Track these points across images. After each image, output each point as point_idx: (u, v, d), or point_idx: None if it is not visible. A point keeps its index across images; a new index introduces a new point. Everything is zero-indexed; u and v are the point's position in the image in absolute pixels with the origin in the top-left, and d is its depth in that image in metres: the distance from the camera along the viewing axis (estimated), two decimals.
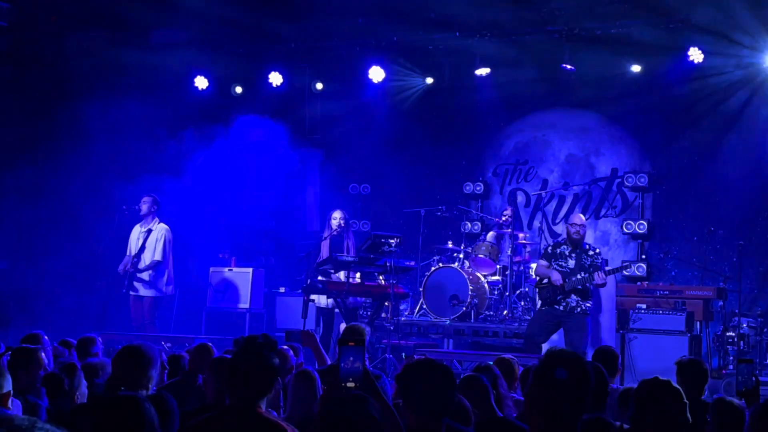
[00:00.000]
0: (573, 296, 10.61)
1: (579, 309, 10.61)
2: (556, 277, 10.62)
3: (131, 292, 12.63)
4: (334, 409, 3.07)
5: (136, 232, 12.78)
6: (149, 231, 12.67)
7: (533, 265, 12.78)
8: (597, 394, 4.74)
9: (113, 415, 3.39)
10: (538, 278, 11.04)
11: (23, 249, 14.30)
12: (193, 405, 5.58)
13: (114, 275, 12.76)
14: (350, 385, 3.27)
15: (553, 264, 10.76)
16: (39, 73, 14.47)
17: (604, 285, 10.69)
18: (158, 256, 12.60)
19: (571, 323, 10.61)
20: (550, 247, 11.05)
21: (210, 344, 6.71)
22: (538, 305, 11.08)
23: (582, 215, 11.38)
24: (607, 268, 10.78)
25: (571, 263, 10.69)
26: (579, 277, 10.53)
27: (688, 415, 4.24)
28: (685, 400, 4.20)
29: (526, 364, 6.70)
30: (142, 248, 12.61)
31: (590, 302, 10.72)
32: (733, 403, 4.53)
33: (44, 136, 14.52)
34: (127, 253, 12.75)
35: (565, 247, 10.82)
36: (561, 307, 10.66)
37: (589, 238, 14.35)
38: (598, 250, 10.90)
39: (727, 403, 4.49)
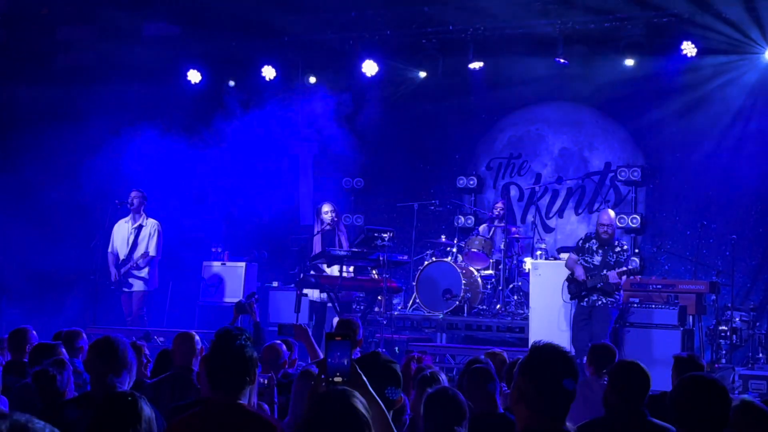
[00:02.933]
0: (595, 293, 10.72)
1: (600, 303, 10.71)
2: (579, 273, 10.77)
3: (124, 288, 12.61)
4: (318, 405, 3.05)
5: (124, 228, 12.72)
6: (140, 227, 12.64)
7: (526, 260, 12.94)
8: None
9: (109, 413, 3.40)
10: (569, 271, 11.07)
11: (12, 244, 14.28)
12: (188, 398, 5.54)
13: (106, 270, 12.76)
14: (337, 380, 3.27)
15: (580, 258, 10.86)
16: (30, 65, 14.45)
17: (618, 284, 10.73)
18: (153, 251, 12.60)
19: (595, 314, 10.73)
20: (581, 240, 11.15)
21: (193, 332, 6.63)
22: (567, 299, 11.15)
23: (611, 211, 11.33)
24: (617, 270, 10.70)
25: (597, 260, 10.80)
26: (601, 275, 10.63)
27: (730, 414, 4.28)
28: (730, 398, 4.23)
29: (518, 359, 6.70)
30: (135, 244, 12.58)
31: (617, 296, 10.78)
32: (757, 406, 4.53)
33: (34, 128, 14.48)
34: (110, 250, 12.70)
35: (594, 242, 10.90)
36: (585, 303, 10.79)
37: (582, 233, 14.38)
38: (625, 246, 10.96)
39: (751, 405, 4.48)
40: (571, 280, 10.95)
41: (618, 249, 10.81)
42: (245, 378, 4.08)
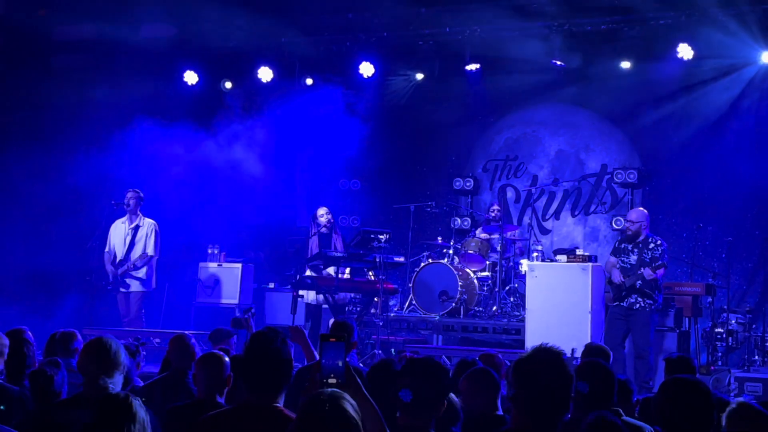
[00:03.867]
0: (633, 294, 10.71)
1: (638, 305, 10.68)
2: (615, 277, 10.80)
3: (121, 289, 12.60)
4: (308, 407, 3.06)
5: (121, 229, 12.72)
6: (137, 227, 12.64)
7: (523, 261, 12.92)
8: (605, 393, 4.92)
9: (103, 414, 3.42)
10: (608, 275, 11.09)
11: (7, 244, 14.28)
12: (182, 400, 5.58)
13: (102, 271, 12.76)
14: (332, 381, 3.27)
15: (618, 261, 10.89)
16: (27, 65, 14.47)
17: (657, 280, 10.70)
18: (151, 251, 12.60)
19: (633, 321, 10.71)
20: (617, 242, 11.17)
21: (185, 334, 6.65)
22: (610, 302, 11.14)
23: (641, 209, 11.36)
24: (653, 266, 10.67)
25: (633, 258, 10.79)
26: (637, 273, 10.62)
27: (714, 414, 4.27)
28: (714, 401, 4.22)
29: (513, 360, 6.73)
30: (132, 244, 12.58)
31: (656, 297, 10.72)
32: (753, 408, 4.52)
33: (31, 129, 14.49)
34: (107, 250, 12.70)
35: (626, 243, 10.92)
36: (625, 304, 10.76)
37: (579, 235, 14.40)
38: (659, 242, 10.83)
39: (747, 407, 4.48)
40: (610, 282, 10.98)
41: (652, 245, 10.73)
42: (283, 381, 4.07)
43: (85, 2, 13.12)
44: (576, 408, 3.67)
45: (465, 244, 13.14)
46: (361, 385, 3.38)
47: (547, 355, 3.49)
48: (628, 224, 10.97)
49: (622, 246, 10.94)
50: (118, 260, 12.66)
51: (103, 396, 3.74)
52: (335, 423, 3.00)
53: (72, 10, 13.69)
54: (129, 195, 12.66)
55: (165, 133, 14.02)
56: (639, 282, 10.62)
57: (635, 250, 10.80)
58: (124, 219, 12.76)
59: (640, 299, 10.69)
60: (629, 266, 10.77)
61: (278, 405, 4.06)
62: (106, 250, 12.74)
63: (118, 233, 12.72)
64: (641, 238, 10.82)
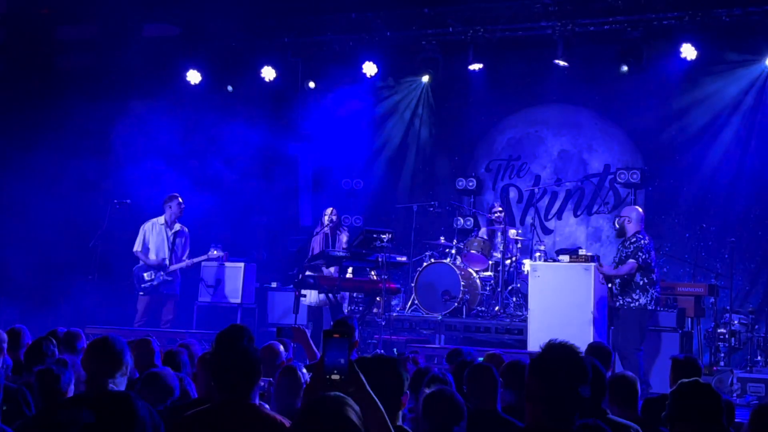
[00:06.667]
0: (615, 291, 10.73)
1: (618, 303, 10.68)
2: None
3: (163, 291, 12.78)
4: (309, 410, 3.06)
5: (161, 231, 12.84)
6: (179, 232, 12.91)
7: (525, 261, 12.91)
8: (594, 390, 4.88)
9: (104, 412, 3.44)
10: None
11: (15, 240, 14.26)
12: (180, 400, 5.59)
13: (110, 270, 12.89)
14: (335, 377, 3.27)
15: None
16: (31, 65, 14.51)
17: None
18: (187, 258, 12.87)
19: (618, 317, 10.74)
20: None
21: (150, 338, 6.66)
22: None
23: (636, 208, 11.34)
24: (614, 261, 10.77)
25: (616, 256, 10.86)
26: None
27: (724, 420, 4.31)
28: (723, 405, 4.26)
29: (518, 360, 6.76)
30: (173, 249, 12.75)
31: (636, 296, 10.55)
32: None
33: (35, 128, 14.52)
34: (139, 249, 12.77)
35: (618, 239, 11.01)
36: (615, 304, 10.81)
37: (582, 235, 14.42)
38: (633, 240, 10.69)
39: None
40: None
41: (627, 243, 10.67)
42: (251, 378, 4.11)
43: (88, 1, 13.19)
44: (533, 411, 3.56)
45: (467, 243, 13.13)
46: (365, 382, 3.36)
47: (563, 350, 3.47)
48: (618, 218, 11.05)
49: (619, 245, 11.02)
50: (157, 263, 12.77)
51: (103, 394, 3.74)
52: (337, 428, 2.99)
53: (75, 9, 13.77)
54: (176, 201, 12.80)
55: (167, 133, 14.09)
56: (618, 281, 10.62)
57: (620, 246, 10.85)
58: (161, 221, 12.87)
59: (620, 297, 10.65)
60: (613, 263, 10.84)
61: (253, 402, 4.10)
62: (139, 249, 12.82)
63: (158, 235, 12.84)
64: (628, 235, 10.78)
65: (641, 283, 10.59)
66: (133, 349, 6.29)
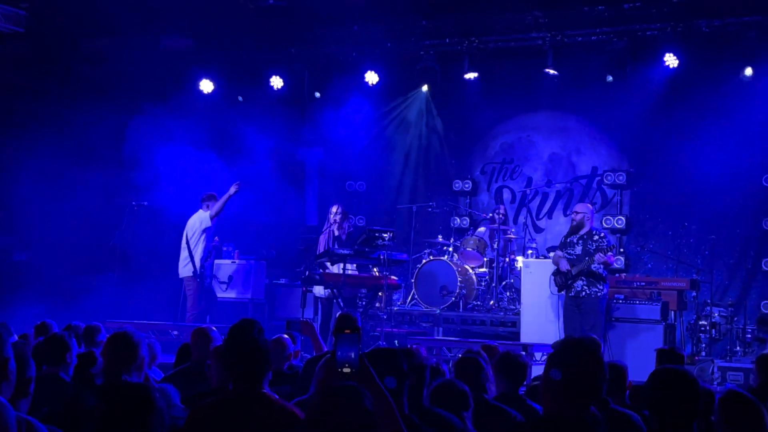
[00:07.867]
0: (579, 281, 10.83)
1: (584, 293, 10.77)
2: (563, 265, 10.91)
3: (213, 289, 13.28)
4: (326, 402, 3.21)
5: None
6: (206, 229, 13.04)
7: (518, 258, 13.12)
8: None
9: (121, 403, 3.36)
10: (555, 266, 11.26)
11: (41, 242, 14.47)
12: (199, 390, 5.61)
13: (129, 268, 13.13)
14: (346, 370, 3.39)
15: (564, 253, 11.04)
16: (53, 77, 14.70)
17: (608, 264, 10.91)
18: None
19: (584, 306, 10.78)
20: (563, 238, 11.32)
21: (206, 328, 6.76)
22: (555, 291, 11.34)
23: (588, 205, 11.61)
24: (604, 248, 10.87)
25: (578, 249, 10.92)
26: (586, 259, 10.79)
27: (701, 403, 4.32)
28: (700, 389, 4.26)
29: (507, 351, 6.73)
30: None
31: (600, 286, 10.79)
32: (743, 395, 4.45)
33: (58, 136, 14.67)
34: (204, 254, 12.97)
35: (574, 236, 11.08)
36: (572, 293, 10.87)
37: None
38: (603, 235, 11.00)
39: (737, 395, 4.57)
40: (556, 273, 11.06)
41: (596, 237, 10.90)
42: (263, 367, 4.18)
43: (107, 15, 13.26)
44: (553, 400, 3.62)
45: (464, 242, 13.35)
46: (375, 375, 3.48)
47: (583, 341, 3.68)
48: (573, 215, 11.20)
49: (568, 240, 11.11)
50: (206, 258, 13.03)
51: (121, 384, 3.73)
52: (354, 419, 3.14)
53: (96, 22, 13.89)
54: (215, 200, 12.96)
55: (181, 140, 14.24)
56: (585, 268, 10.75)
57: (580, 242, 10.95)
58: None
59: (585, 287, 10.77)
60: (575, 257, 10.86)
61: (265, 391, 4.15)
62: (186, 242, 12.90)
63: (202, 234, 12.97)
64: (584, 230, 10.96)
65: (604, 274, 10.89)
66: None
